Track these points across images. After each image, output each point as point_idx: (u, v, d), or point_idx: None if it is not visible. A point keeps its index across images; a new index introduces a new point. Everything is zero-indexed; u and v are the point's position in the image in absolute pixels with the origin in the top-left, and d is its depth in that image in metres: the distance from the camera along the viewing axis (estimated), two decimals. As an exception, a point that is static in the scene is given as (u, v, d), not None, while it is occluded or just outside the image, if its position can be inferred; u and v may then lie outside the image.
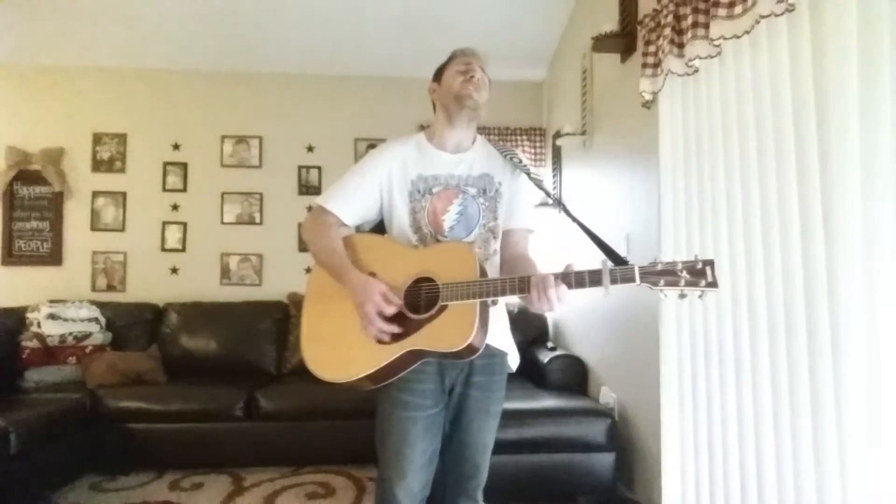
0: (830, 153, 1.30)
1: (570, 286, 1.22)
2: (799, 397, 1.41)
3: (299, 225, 3.95)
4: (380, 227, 1.58)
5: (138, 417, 3.01)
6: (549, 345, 3.54)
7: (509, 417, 2.52)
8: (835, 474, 1.30)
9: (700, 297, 1.20)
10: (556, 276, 1.23)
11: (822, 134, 1.33)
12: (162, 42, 3.82)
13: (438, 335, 1.30)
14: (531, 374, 3.24)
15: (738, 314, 1.67)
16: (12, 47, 3.85)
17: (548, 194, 1.57)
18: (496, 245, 1.52)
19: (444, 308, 1.31)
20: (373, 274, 1.40)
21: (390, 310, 1.33)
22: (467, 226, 1.48)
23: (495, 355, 1.48)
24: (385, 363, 1.32)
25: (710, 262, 1.17)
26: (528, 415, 2.58)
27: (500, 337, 1.49)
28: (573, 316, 3.47)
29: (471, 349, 1.28)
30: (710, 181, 1.79)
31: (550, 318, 3.87)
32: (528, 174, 1.53)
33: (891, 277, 1.20)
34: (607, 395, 2.75)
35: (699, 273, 1.17)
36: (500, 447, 1.39)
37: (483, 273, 1.33)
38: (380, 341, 1.34)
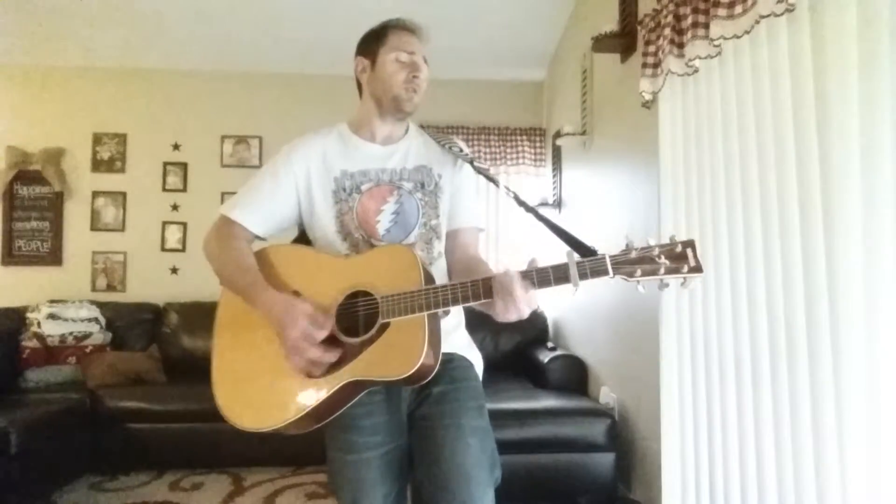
0: (830, 153, 1.30)
1: (532, 285, 1.03)
2: (799, 397, 1.41)
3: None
4: (303, 237, 1.37)
5: (138, 417, 3.01)
6: (549, 345, 3.54)
7: (509, 417, 2.55)
8: (835, 474, 1.30)
9: (683, 285, 1.03)
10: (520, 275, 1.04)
11: (822, 134, 1.33)
12: (162, 42, 3.82)
13: (380, 360, 1.09)
14: (531, 374, 3.25)
15: (738, 314, 1.67)
16: (12, 47, 3.85)
17: (496, 183, 1.33)
18: (440, 247, 1.32)
19: (385, 326, 1.10)
20: (296, 293, 1.18)
21: (320, 334, 1.10)
22: (405, 226, 1.27)
23: (453, 359, 1.24)
24: (319, 401, 1.11)
25: (691, 243, 1.01)
26: (528, 415, 2.58)
27: (456, 340, 1.29)
28: (573, 316, 3.47)
29: (421, 373, 1.08)
30: (711, 181, 1.79)
31: (550, 317, 3.87)
32: (472, 163, 1.34)
33: (891, 277, 1.20)
34: (607, 395, 2.74)
35: (679, 257, 1.01)
36: (500, 447, 1.29)
37: (429, 280, 1.13)
38: (309, 375, 1.12)
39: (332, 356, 1.11)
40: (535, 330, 3.74)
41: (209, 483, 2.89)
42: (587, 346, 3.17)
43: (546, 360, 3.14)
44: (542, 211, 3.59)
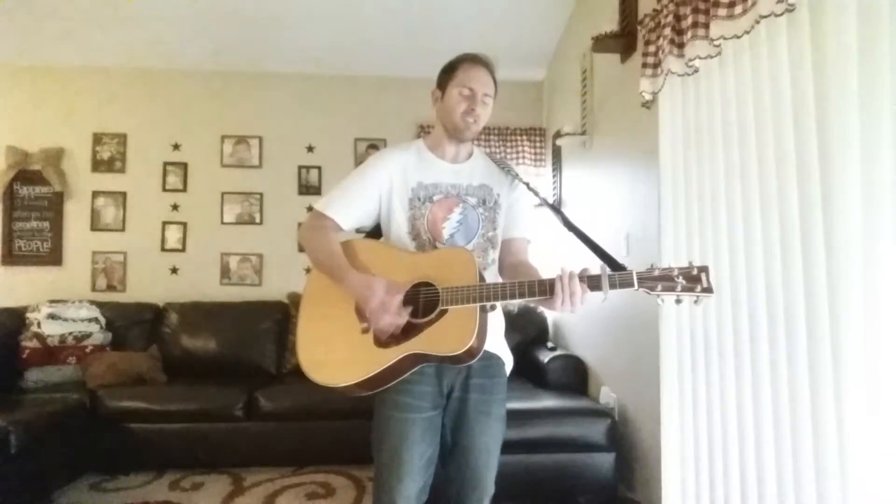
0: (830, 153, 1.30)
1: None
2: (799, 397, 1.41)
3: (299, 225, 3.98)
4: (375, 232, 1.60)
5: (138, 417, 3.01)
6: (549, 345, 3.54)
7: (509, 417, 2.49)
8: (835, 474, 1.30)
9: (695, 302, 1.23)
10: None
11: (822, 134, 1.33)
12: (162, 42, 3.82)
13: (438, 339, 1.32)
14: (531, 374, 3.24)
15: (737, 314, 1.67)
16: (12, 47, 3.85)
17: (544, 200, 1.60)
18: (494, 255, 1.55)
19: (443, 312, 1.33)
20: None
21: (394, 305, 1.33)
22: (467, 234, 1.50)
23: (492, 358, 1.50)
24: (386, 366, 1.33)
25: (705, 269, 1.23)
26: (528, 415, 2.58)
27: (496, 342, 1.52)
28: (573, 316, 3.47)
29: (470, 353, 1.31)
30: (710, 181, 1.79)
31: (550, 318, 3.87)
32: (528, 185, 1.58)
33: (891, 278, 1.20)
34: (607, 395, 2.75)
35: (695, 279, 1.22)
36: (501, 447, 1.38)
37: (482, 280, 1.36)
38: (380, 345, 1.35)
39: (402, 319, 1.34)
40: (535, 330, 3.74)
41: (209, 483, 2.89)
42: (587, 346, 3.17)
43: (546, 360, 3.14)
44: (540, 214, 3.60)
